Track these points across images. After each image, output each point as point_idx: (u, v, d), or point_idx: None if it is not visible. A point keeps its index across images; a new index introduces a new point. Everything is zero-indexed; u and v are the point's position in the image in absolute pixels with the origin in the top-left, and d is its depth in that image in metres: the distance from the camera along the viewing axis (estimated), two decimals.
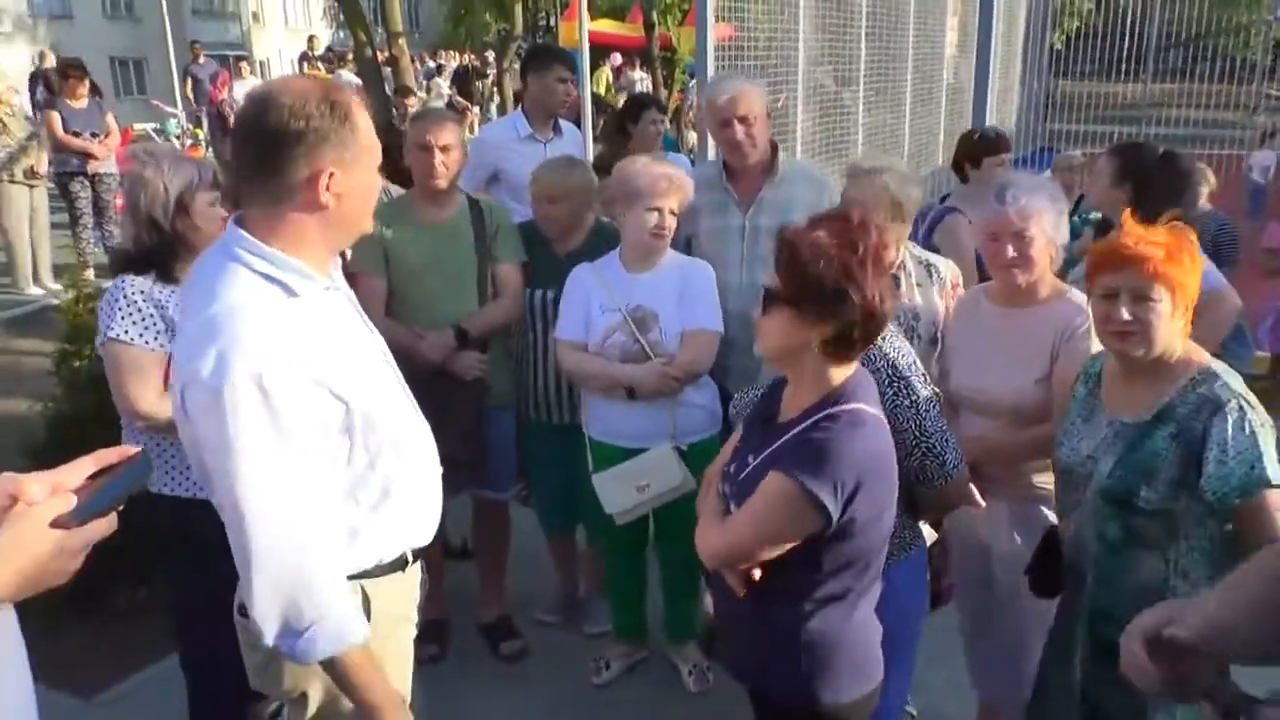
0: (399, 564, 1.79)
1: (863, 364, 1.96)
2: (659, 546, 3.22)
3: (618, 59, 18.21)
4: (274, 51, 23.73)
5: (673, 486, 2.91)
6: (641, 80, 17.77)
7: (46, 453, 3.36)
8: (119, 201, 7.51)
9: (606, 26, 18.61)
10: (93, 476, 1.15)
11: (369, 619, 1.67)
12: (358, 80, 12.70)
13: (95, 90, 8.59)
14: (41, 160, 7.97)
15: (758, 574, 1.89)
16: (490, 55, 19.44)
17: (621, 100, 9.29)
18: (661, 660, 3.36)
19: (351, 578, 1.68)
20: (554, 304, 3.15)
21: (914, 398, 2.13)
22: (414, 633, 1.92)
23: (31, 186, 7.90)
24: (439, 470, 1.88)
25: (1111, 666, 1.46)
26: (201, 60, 16.08)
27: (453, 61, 21.32)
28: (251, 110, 1.57)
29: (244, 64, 16.21)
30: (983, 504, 2.40)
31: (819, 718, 1.93)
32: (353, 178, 1.60)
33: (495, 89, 17.88)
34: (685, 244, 3.26)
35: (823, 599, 1.88)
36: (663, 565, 3.25)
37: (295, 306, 1.59)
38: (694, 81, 11.62)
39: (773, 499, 1.82)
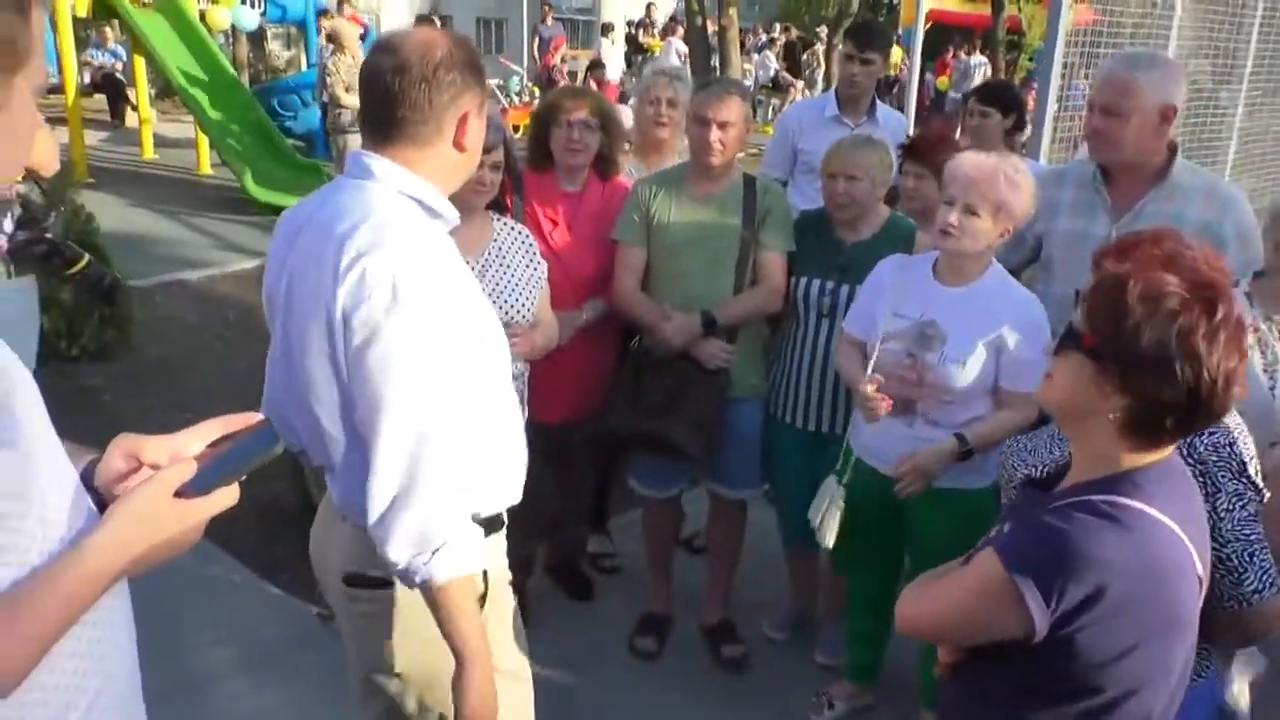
0: (495, 523, 1.75)
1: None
2: (909, 577, 2.82)
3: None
4: (619, 17, 24.68)
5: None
6: (981, 66, 16.58)
7: None
8: None
9: (950, 3, 17.50)
10: (215, 444, 1.08)
11: None
12: (685, 49, 12.85)
13: None
14: None
15: (949, 658, 1.58)
16: (823, 31, 18.95)
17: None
18: (893, 712, 3.01)
19: None
20: (829, 295, 2.88)
21: (1211, 489, 1.70)
22: (513, 601, 1.92)
23: None
24: (524, 435, 1.84)
25: None
26: (549, 21, 17.00)
27: (786, 36, 21.02)
28: (402, 56, 1.58)
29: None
30: None
31: None
32: (481, 120, 1.67)
33: (824, 65, 17.44)
34: (1036, 243, 2.87)
35: None
36: None
37: (435, 227, 1.64)
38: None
39: (976, 580, 1.47)
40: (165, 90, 12.16)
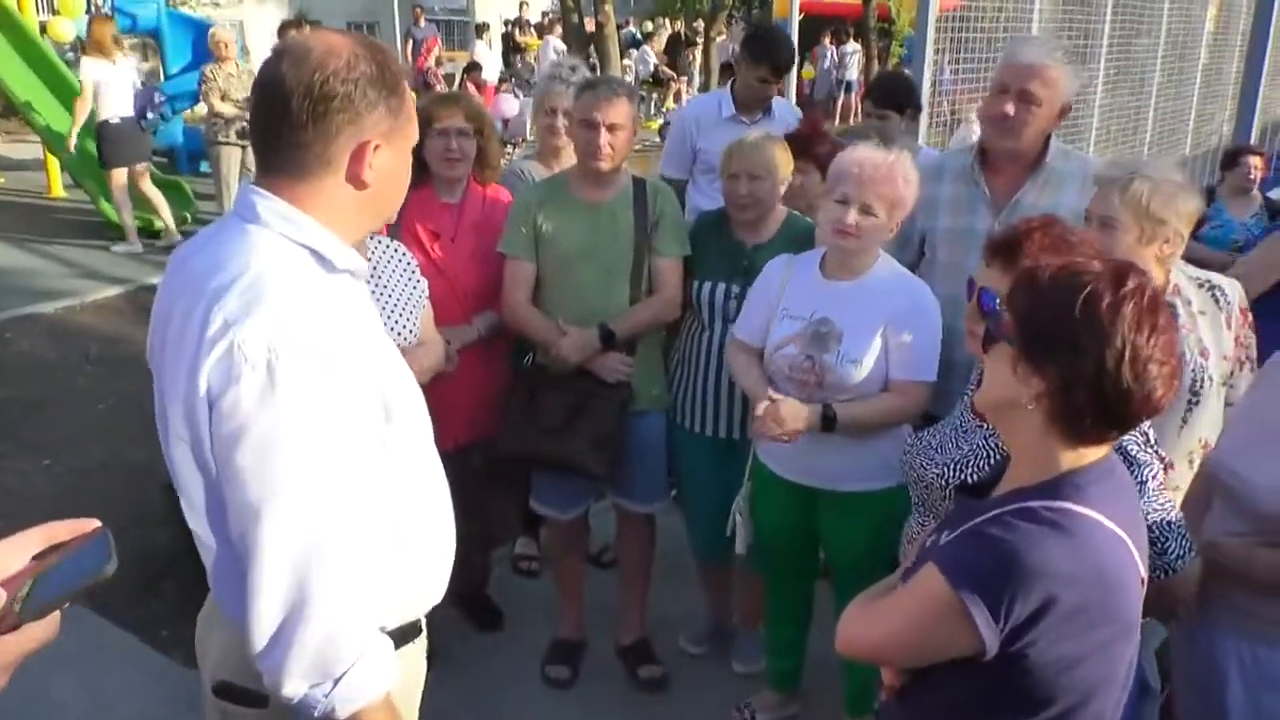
0: (411, 631, 1.49)
1: None
2: (834, 587, 2.73)
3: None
4: (494, 16, 24.34)
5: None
6: (854, 54, 16.90)
7: None
8: None
9: None
10: (39, 556, 0.88)
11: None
12: (563, 47, 12.69)
13: None
14: None
15: (894, 682, 1.50)
16: (699, 24, 19.03)
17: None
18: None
19: None
20: (736, 301, 2.78)
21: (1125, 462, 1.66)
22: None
23: (243, 146, 7.98)
24: (452, 516, 1.58)
25: None
26: (422, 23, 16.60)
27: (665, 30, 21.03)
28: (290, 66, 1.31)
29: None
30: None
31: None
32: (395, 154, 1.39)
33: (704, 59, 17.51)
34: (920, 241, 2.81)
35: None
36: (838, 609, 2.75)
37: (331, 282, 1.36)
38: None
39: (920, 598, 1.39)
40: (7, 109, 11.36)
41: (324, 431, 1.24)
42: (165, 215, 8.18)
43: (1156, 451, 1.84)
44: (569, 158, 3.37)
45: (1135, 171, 2.16)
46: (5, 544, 0.88)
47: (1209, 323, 2.23)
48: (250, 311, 1.22)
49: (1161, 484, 1.83)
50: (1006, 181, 2.69)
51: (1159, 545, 1.75)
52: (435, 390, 2.57)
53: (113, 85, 7.80)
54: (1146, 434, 1.82)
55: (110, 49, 7.83)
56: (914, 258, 2.87)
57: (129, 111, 7.87)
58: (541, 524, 3.51)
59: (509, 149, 8.78)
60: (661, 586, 3.30)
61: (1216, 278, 2.34)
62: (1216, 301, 2.27)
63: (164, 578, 3.46)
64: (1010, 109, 2.57)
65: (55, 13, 10.23)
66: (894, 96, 3.81)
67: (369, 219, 1.45)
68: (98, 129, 7.90)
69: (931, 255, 2.81)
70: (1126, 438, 1.75)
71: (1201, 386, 2.22)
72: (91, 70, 7.79)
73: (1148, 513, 1.72)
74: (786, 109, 4.11)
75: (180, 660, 3.06)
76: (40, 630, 0.84)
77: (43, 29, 9.90)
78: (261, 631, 1.24)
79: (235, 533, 1.26)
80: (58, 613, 0.86)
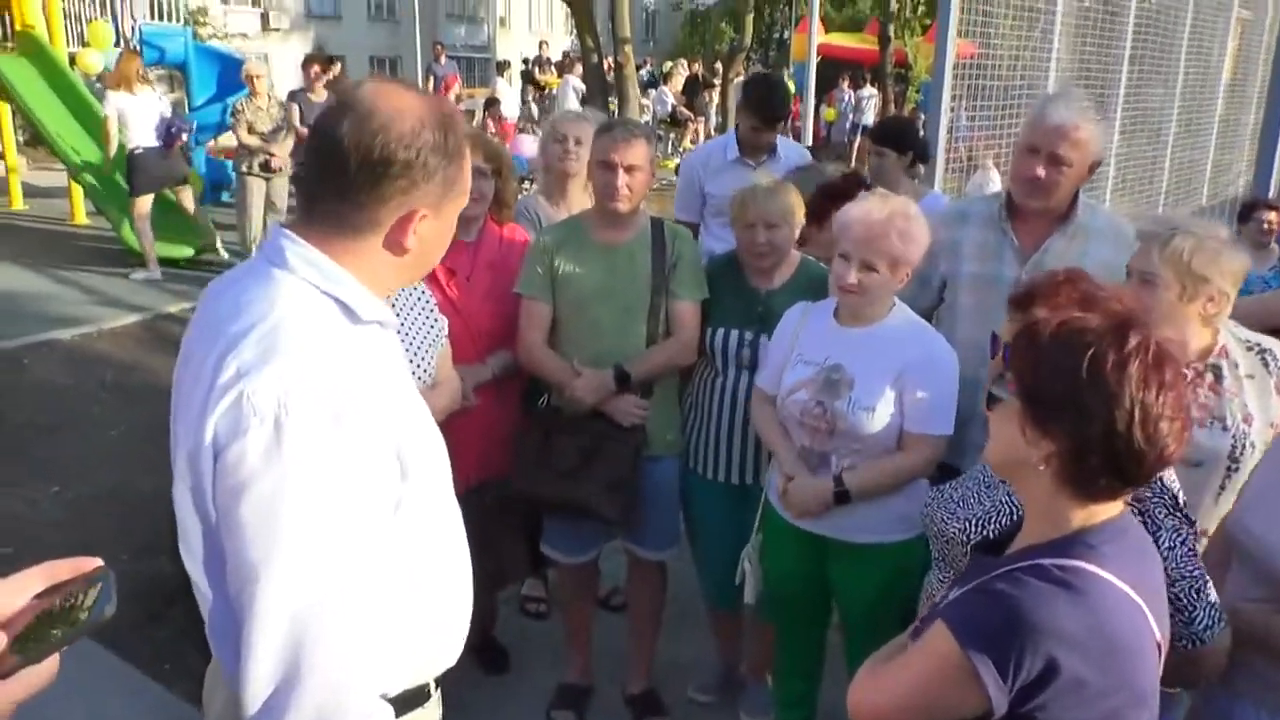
0: (419, 697, 1.43)
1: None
2: (845, 637, 2.70)
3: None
4: (514, 54, 24.73)
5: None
6: (870, 98, 17.01)
7: None
8: None
9: (839, 39, 17.99)
10: (40, 595, 0.86)
11: None
12: (582, 86, 12.82)
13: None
14: (284, 149, 8.17)
15: None
16: (719, 66, 19.21)
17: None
18: None
19: None
20: (749, 347, 2.77)
21: (1150, 527, 1.66)
22: None
23: (267, 179, 8.15)
24: (470, 575, 1.52)
25: None
26: (443, 60, 16.81)
27: (682, 72, 21.25)
28: (352, 124, 1.26)
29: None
30: None
31: None
32: (441, 222, 1.36)
33: (721, 100, 17.65)
34: (940, 286, 2.79)
35: None
36: (849, 661, 2.65)
37: (356, 333, 1.32)
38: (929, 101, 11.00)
39: (929, 658, 1.37)
40: (35, 138, 11.53)
41: (330, 492, 1.19)
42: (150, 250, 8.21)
43: (1186, 516, 1.77)
44: (576, 190, 3.41)
45: (1177, 227, 2.13)
46: (6, 583, 0.85)
47: (1256, 387, 2.17)
48: (264, 362, 1.19)
49: (1191, 549, 1.75)
50: (1034, 230, 2.68)
51: (1186, 614, 1.68)
52: (447, 429, 2.57)
53: (137, 115, 7.96)
54: (1175, 496, 1.76)
55: (133, 82, 8.00)
56: (933, 302, 2.86)
57: (154, 141, 8.00)
58: (549, 565, 3.48)
59: (526, 186, 8.85)
60: (671, 630, 3.26)
61: (1267, 340, 2.27)
62: (1266, 365, 2.20)
63: (170, 607, 3.44)
64: (1041, 171, 2.56)
65: (85, 44, 10.42)
66: (891, 136, 3.90)
67: (402, 279, 1.41)
68: (126, 158, 8.06)
69: (954, 300, 2.79)
70: (1153, 501, 1.72)
71: (1242, 453, 2.15)
72: (115, 101, 7.97)
73: (1175, 579, 1.66)
74: (792, 149, 4.17)
75: (181, 694, 3.03)
76: (38, 675, 0.83)
77: (72, 60, 10.08)
78: (254, 695, 1.19)
79: (233, 589, 1.21)
80: (57, 655, 0.84)
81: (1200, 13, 9.03)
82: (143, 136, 7.96)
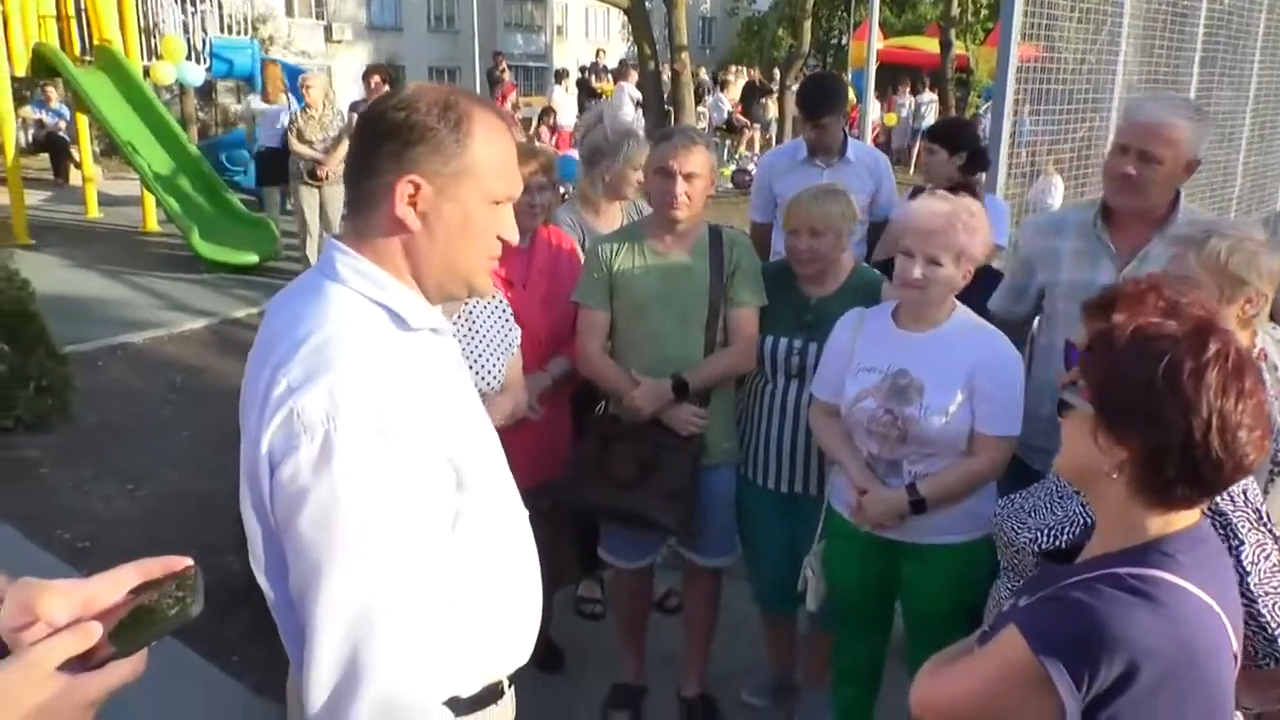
0: (492, 694, 1.46)
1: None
2: (908, 637, 2.68)
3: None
4: (571, 62, 24.98)
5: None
6: (930, 103, 16.82)
7: None
8: None
9: (899, 43, 17.81)
10: (135, 591, 0.91)
11: None
12: (638, 94, 12.86)
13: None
14: (334, 158, 8.03)
15: None
16: (776, 72, 19.15)
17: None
18: None
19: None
20: (798, 355, 2.76)
21: (1234, 542, 1.63)
22: None
23: (317, 187, 8.19)
24: (538, 577, 1.56)
25: None
26: (504, 69, 17.02)
27: (740, 78, 21.22)
28: (376, 108, 1.33)
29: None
30: None
31: None
32: (448, 200, 1.31)
33: (778, 107, 17.59)
34: (1039, 295, 2.77)
35: None
36: (910, 663, 2.59)
37: (408, 341, 1.32)
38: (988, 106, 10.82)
39: (999, 662, 1.36)
40: (110, 148, 11.94)
41: (381, 503, 1.21)
42: None
43: (1270, 529, 1.73)
44: (609, 205, 3.52)
45: (1211, 230, 2.10)
46: (103, 578, 0.90)
47: None
48: (313, 379, 1.21)
49: (1276, 565, 1.71)
50: (1131, 236, 2.63)
51: (1269, 632, 1.64)
52: (500, 431, 2.62)
53: (265, 119, 9.10)
54: (1259, 510, 1.72)
55: (273, 92, 9.38)
56: (1030, 310, 2.84)
57: (276, 143, 8.75)
58: (604, 566, 3.51)
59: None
60: (724, 635, 3.26)
61: None
62: None
63: (238, 606, 3.52)
64: (1131, 169, 2.51)
65: (158, 57, 10.75)
66: (943, 134, 3.92)
67: (438, 271, 1.36)
68: (256, 154, 9.45)
69: (1052, 309, 2.76)
70: (1236, 516, 1.69)
71: None
72: (253, 103, 9.69)
73: (1259, 595, 1.63)
74: (864, 151, 4.17)
75: (251, 685, 3.13)
76: (128, 667, 0.86)
77: (146, 73, 10.42)
78: (316, 697, 1.23)
79: (295, 593, 1.25)
80: (145, 650, 0.88)
81: (1275, 13, 8.78)
82: (268, 138, 9.01)
